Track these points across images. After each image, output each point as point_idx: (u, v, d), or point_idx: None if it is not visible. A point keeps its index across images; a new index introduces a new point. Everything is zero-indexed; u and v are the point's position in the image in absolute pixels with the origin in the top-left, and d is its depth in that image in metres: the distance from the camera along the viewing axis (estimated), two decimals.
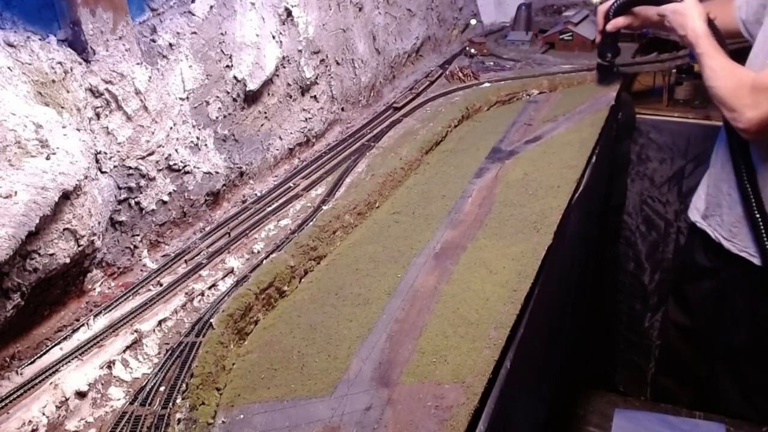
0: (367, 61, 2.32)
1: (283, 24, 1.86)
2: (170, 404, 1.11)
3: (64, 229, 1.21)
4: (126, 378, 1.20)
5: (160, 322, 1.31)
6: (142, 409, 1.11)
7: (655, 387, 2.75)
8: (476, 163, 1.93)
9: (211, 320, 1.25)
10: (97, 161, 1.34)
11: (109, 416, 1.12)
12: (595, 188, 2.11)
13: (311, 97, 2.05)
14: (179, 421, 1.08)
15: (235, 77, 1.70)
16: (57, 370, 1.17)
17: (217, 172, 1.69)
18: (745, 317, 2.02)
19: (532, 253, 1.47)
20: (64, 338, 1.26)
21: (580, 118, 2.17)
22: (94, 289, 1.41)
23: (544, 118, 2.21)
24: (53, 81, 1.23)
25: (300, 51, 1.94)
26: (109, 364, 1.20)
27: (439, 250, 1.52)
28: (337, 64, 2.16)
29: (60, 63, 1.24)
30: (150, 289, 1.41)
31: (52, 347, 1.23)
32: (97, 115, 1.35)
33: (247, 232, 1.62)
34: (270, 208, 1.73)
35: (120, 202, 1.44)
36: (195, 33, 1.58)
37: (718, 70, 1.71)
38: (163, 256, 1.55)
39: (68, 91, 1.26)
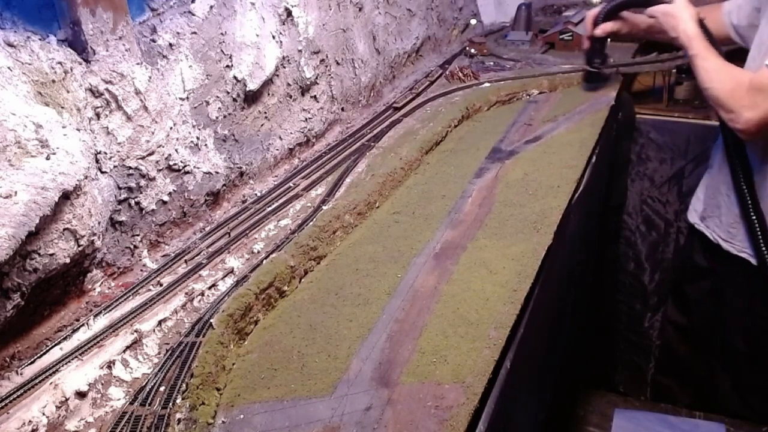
0: (367, 61, 2.32)
1: (283, 24, 1.86)
2: (170, 404, 1.11)
3: (64, 229, 1.21)
4: (126, 378, 1.20)
5: (160, 322, 1.31)
6: (142, 409, 1.11)
7: (655, 387, 2.75)
8: (476, 163, 1.93)
9: (211, 320, 1.25)
10: (97, 161, 1.34)
11: (109, 416, 1.12)
12: (595, 188, 2.11)
13: (311, 97, 2.05)
14: (179, 421, 1.08)
15: (235, 77, 1.70)
16: (57, 370, 1.17)
17: (217, 172, 1.69)
18: (742, 317, 2.02)
19: (532, 253, 1.47)
20: (64, 338, 1.26)
21: (580, 118, 2.16)
22: (94, 289, 1.41)
23: (544, 118, 2.21)
24: (53, 81, 1.23)
25: (300, 51, 1.94)
26: (109, 364, 1.21)
27: (439, 250, 1.52)
28: (337, 64, 2.16)
29: (60, 63, 1.24)
30: (150, 289, 1.41)
31: (52, 347, 1.23)
32: (97, 115, 1.35)
33: (247, 232, 1.62)
34: (270, 208, 1.73)
35: (120, 202, 1.44)
36: (195, 33, 1.58)
37: (713, 71, 1.71)
38: (163, 256, 1.55)
39: (68, 91, 1.26)
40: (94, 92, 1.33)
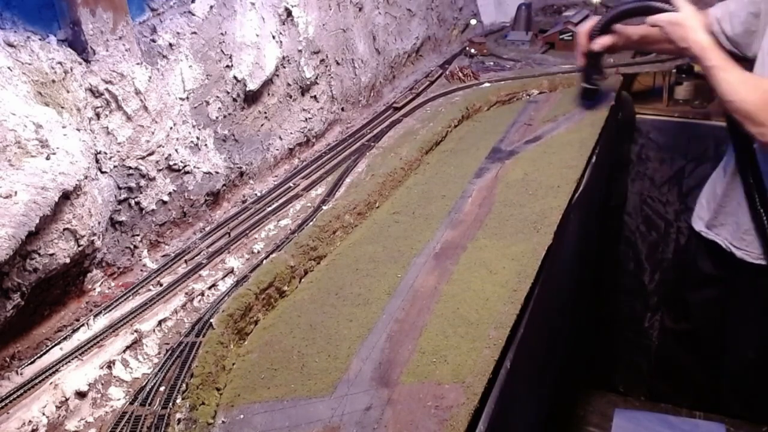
0: (367, 61, 2.32)
1: (283, 24, 1.86)
2: (170, 404, 1.11)
3: (64, 229, 1.21)
4: (126, 378, 1.20)
5: (160, 322, 1.31)
6: (142, 409, 1.11)
7: (654, 389, 2.75)
8: (476, 163, 1.93)
9: (211, 320, 1.25)
10: (97, 161, 1.34)
11: (109, 416, 1.12)
12: (595, 188, 2.10)
13: (311, 97, 2.05)
14: (179, 421, 1.08)
15: (235, 77, 1.70)
16: (57, 370, 1.17)
17: (217, 172, 1.69)
18: (754, 325, 2.00)
19: (532, 253, 1.47)
20: (64, 338, 1.26)
21: (580, 118, 2.16)
22: (94, 289, 1.41)
23: (544, 118, 2.21)
24: (53, 81, 1.23)
25: (300, 51, 1.94)
26: (109, 364, 1.20)
27: (439, 250, 1.52)
28: (337, 64, 2.16)
29: (60, 63, 1.24)
30: (150, 289, 1.41)
31: (52, 347, 1.23)
32: (97, 115, 1.35)
33: (247, 232, 1.62)
34: (270, 208, 1.73)
35: (120, 202, 1.44)
36: (195, 33, 1.58)
37: (737, 83, 1.59)
38: (163, 256, 1.55)
39: (68, 91, 1.26)
40: (94, 92, 1.33)
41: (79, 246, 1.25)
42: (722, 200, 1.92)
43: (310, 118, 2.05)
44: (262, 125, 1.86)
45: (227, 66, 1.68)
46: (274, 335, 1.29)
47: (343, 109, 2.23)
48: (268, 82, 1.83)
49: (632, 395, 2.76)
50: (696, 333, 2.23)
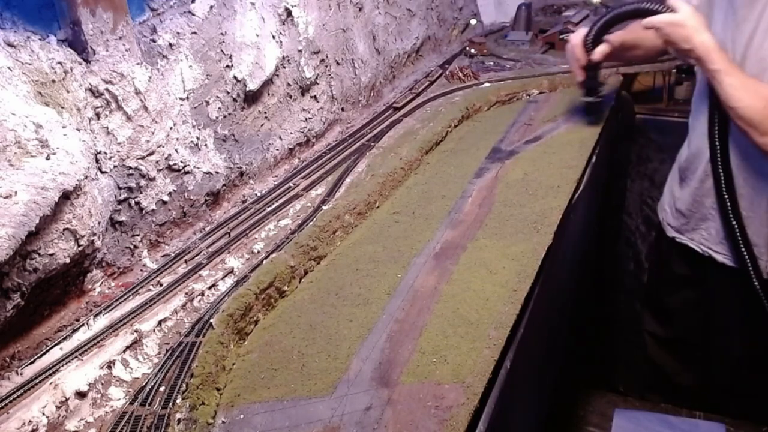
0: (367, 61, 2.32)
1: (283, 24, 1.86)
2: (170, 404, 1.11)
3: (64, 229, 1.21)
4: (126, 378, 1.20)
5: (160, 322, 1.31)
6: (142, 409, 1.11)
7: (651, 390, 2.74)
8: (476, 163, 1.93)
9: (211, 320, 1.25)
10: (97, 161, 1.34)
11: (109, 416, 1.12)
12: (595, 188, 2.10)
13: (311, 97, 2.05)
14: (179, 421, 1.08)
15: (235, 77, 1.70)
16: (57, 370, 1.17)
17: (217, 172, 1.69)
18: (740, 323, 1.98)
19: (532, 253, 1.47)
20: (64, 338, 1.26)
21: (580, 118, 2.16)
22: (94, 289, 1.41)
23: (544, 118, 2.21)
24: (53, 81, 1.23)
25: (300, 51, 1.94)
26: (109, 364, 1.21)
27: (439, 250, 1.52)
28: (337, 64, 2.16)
29: (60, 63, 1.24)
30: (150, 289, 1.41)
31: (52, 347, 1.23)
32: (97, 115, 1.35)
33: (247, 232, 1.62)
34: (270, 208, 1.73)
35: (120, 202, 1.44)
36: (195, 33, 1.58)
37: (742, 88, 1.52)
38: (163, 256, 1.55)
39: (68, 91, 1.26)
40: (94, 92, 1.33)
41: (79, 246, 1.25)
42: (695, 207, 1.88)
43: (310, 118, 2.05)
44: (262, 125, 1.86)
45: (227, 66, 1.68)
46: (274, 335, 1.29)
47: (343, 109, 2.23)
48: (268, 82, 1.83)
49: (632, 395, 2.76)
50: (679, 337, 2.19)
